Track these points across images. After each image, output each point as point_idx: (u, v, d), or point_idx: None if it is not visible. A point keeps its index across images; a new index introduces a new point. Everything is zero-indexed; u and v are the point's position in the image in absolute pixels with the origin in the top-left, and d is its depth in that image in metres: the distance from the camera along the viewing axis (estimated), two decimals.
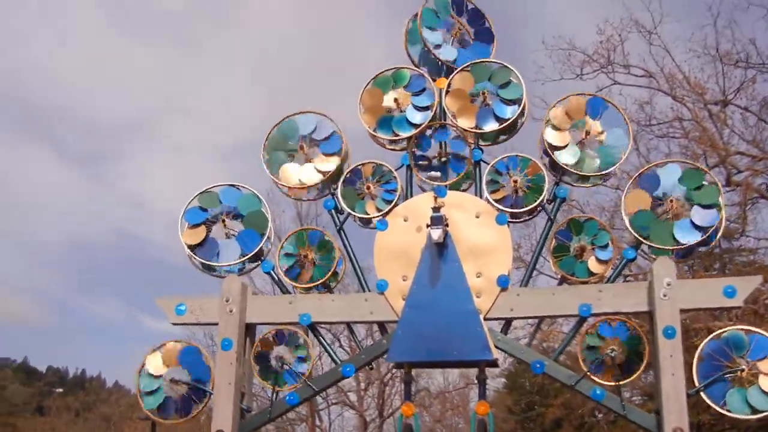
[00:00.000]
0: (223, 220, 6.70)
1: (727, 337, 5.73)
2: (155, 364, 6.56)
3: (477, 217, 6.36)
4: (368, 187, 6.63)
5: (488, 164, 6.50)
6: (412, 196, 6.64)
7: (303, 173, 6.78)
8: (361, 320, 6.52)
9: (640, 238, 6.02)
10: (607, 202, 20.53)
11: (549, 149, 6.36)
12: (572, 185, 6.64)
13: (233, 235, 6.69)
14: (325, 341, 6.56)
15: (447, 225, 6.08)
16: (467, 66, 6.74)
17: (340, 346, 29.02)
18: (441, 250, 6.17)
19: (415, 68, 6.86)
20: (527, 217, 6.64)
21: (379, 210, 6.56)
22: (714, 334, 5.77)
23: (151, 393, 6.50)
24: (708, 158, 18.76)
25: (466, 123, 6.63)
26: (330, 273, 6.54)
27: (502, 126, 6.56)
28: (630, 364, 5.95)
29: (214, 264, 6.61)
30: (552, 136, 6.41)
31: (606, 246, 6.23)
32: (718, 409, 5.61)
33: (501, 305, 6.14)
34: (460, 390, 38.95)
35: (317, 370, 16.32)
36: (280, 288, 6.65)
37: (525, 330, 20.62)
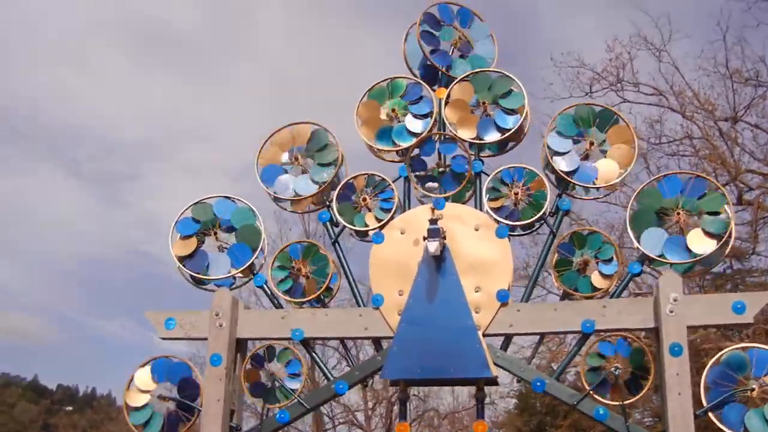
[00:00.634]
0: (215, 233, 6.53)
1: (727, 359, 5.46)
2: (144, 379, 6.36)
3: (476, 230, 6.15)
4: (364, 199, 6.45)
5: (489, 176, 6.31)
6: (410, 208, 6.44)
7: (298, 184, 6.61)
8: (355, 336, 6.29)
9: (654, 257, 5.77)
10: (617, 221, 20.21)
11: (565, 176, 6.14)
12: (576, 198, 6.44)
13: (226, 248, 6.51)
14: (318, 357, 6.33)
15: (444, 237, 5.87)
16: (467, 76, 6.57)
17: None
18: (438, 263, 5.97)
19: (412, 77, 6.70)
20: (525, 232, 6.43)
21: (379, 220, 6.37)
22: (713, 360, 5.48)
23: (138, 409, 6.30)
24: (718, 176, 18.46)
25: (467, 134, 6.44)
26: (324, 287, 6.34)
27: (504, 136, 6.38)
28: (637, 380, 5.71)
29: (203, 277, 6.42)
30: (561, 164, 6.16)
31: (610, 260, 6.00)
32: (719, 425, 5.33)
33: (500, 321, 5.90)
34: (469, 410, 38.44)
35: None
36: (272, 302, 6.45)
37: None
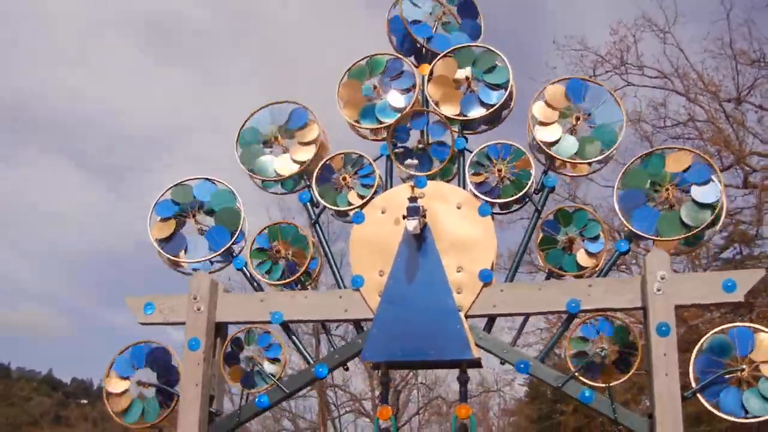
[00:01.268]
0: (194, 215, 6.39)
1: (710, 345, 5.29)
2: (123, 365, 6.25)
3: (458, 208, 5.96)
4: (344, 179, 6.29)
5: (471, 153, 6.12)
6: (392, 187, 6.28)
7: (278, 164, 6.45)
8: (335, 318, 6.14)
9: (648, 236, 5.59)
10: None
11: (545, 147, 5.95)
12: (568, 175, 6.26)
13: (205, 230, 6.38)
14: (299, 341, 6.18)
15: (425, 216, 5.70)
16: (450, 51, 6.38)
17: None
18: (419, 243, 5.80)
19: (392, 53, 6.52)
20: (503, 211, 6.25)
21: (361, 197, 6.20)
22: (696, 347, 5.29)
23: (119, 395, 6.19)
24: (723, 159, 18.20)
25: (450, 110, 6.26)
26: (303, 269, 6.19)
27: (488, 112, 6.19)
28: (627, 357, 5.53)
29: (180, 260, 6.29)
30: (542, 133, 5.99)
31: (596, 238, 5.83)
32: (709, 407, 5.18)
33: (483, 301, 5.73)
34: (476, 397, 38.34)
35: None
36: (252, 285, 6.31)
37: (535, 335, 20.24)
